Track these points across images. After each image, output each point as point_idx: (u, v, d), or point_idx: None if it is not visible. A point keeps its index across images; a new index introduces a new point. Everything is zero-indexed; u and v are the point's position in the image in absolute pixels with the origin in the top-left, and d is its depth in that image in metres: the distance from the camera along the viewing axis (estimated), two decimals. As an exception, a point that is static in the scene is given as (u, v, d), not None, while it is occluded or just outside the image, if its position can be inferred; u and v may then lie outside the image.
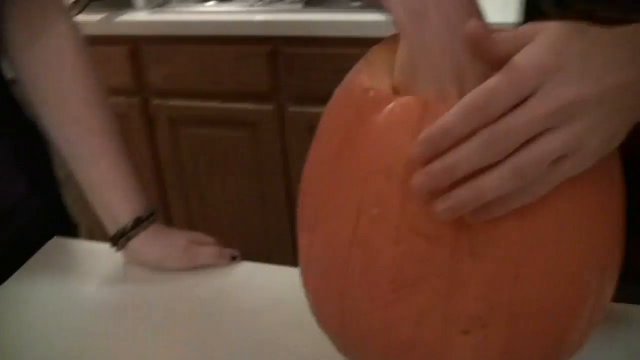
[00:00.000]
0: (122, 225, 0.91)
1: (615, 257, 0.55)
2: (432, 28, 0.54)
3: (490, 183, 0.46)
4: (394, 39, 0.59)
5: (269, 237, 2.21)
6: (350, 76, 0.60)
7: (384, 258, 0.52)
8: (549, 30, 0.48)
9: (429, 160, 0.48)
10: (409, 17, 0.55)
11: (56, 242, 1.00)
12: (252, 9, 2.02)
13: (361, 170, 0.53)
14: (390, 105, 0.52)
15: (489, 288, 0.50)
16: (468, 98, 0.46)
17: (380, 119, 0.53)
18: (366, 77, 0.58)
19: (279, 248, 2.20)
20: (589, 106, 0.46)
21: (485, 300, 0.50)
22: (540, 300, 0.51)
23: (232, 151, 2.13)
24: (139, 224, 0.91)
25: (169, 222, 2.28)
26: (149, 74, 2.10)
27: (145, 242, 0.91)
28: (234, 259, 0.91)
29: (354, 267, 0.53)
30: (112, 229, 0.92)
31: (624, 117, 0.48)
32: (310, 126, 2.01)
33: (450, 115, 0.47)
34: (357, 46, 1.83)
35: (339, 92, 0.59)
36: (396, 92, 0.55)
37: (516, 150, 0.46)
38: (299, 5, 1.97)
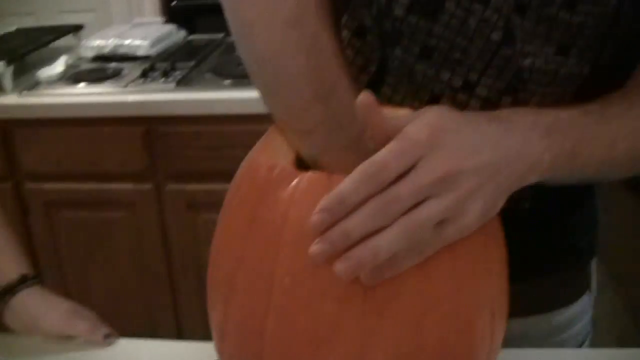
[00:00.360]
0: (7, 281, 0.90)
1: (503, 304, 0.61)
2: (334, 107, 0.60)
3: (382, 243, 0.51)
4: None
5: (151, 315, 2.18)
6: (253, 154, 0.64)
7: (298, 323, 0.55)
8: (432, 111, 0.55)
9: (327, 228, 0.52)
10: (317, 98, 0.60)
11: None
12: (124, 90, 2.02)
13: (271, 243, 0.56)
14: (295, 181, 0.57)
15: (397, 340, 0.54)
16: (360, 169, 0.52)
17: (286, 194, 0.57)
18: (268, 154, 0.62)
19: (162, 324, 2.19)
20: (463, 177, 0.53)
21: (395, 352, 0.54)
22: (441, 347, 0.55)
23: (111, 232, 2.11)
24: (25, 281, 0.91)
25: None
26: (21, 157, 2.05)
27: (29, 298, 0.90)
28: (107, 337, 0.90)
29: (270, 334, 0.56)
30: None
31: (498, 188, 0.55)
32: (189, 204, 2.04)
33: (345, 185, 0.52)
34: (230, 123, 1.90)
35: (243, 171, 0.63)
36: (299, 166, 0.60)
37: (404, 213, 0.51)
38: (171, 85, 2.00)
